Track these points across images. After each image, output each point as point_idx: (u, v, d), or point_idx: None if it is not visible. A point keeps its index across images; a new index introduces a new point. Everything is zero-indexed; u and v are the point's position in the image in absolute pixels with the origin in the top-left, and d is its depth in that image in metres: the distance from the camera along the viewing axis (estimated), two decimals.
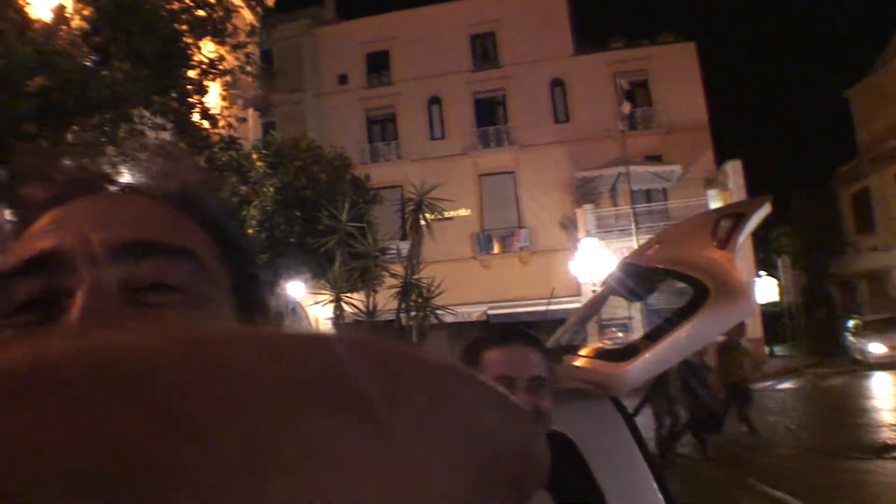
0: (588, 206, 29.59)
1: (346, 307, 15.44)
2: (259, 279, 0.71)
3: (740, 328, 12.58)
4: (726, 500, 8.88)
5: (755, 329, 28.03)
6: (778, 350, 34.15)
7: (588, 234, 27.49)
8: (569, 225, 30.61)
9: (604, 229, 28.36)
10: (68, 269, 0.56)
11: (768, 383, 21.50)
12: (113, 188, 0.64)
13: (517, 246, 31.99)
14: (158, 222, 0.61)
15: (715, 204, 23.98)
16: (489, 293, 29.43)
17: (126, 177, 0.65)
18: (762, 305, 29.38)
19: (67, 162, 0.65)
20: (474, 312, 28.16)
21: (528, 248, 31.68)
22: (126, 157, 0.66)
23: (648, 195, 31.07)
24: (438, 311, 15.29)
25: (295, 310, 25.49)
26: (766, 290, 35.75)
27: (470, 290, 27.28)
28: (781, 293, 36.72)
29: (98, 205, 0.62)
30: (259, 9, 14.36)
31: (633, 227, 23.26)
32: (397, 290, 15.26)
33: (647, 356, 2.67)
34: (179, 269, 0.59)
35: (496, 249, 32.31)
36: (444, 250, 23.91)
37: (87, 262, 0.56)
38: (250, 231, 16.25)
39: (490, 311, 28.98)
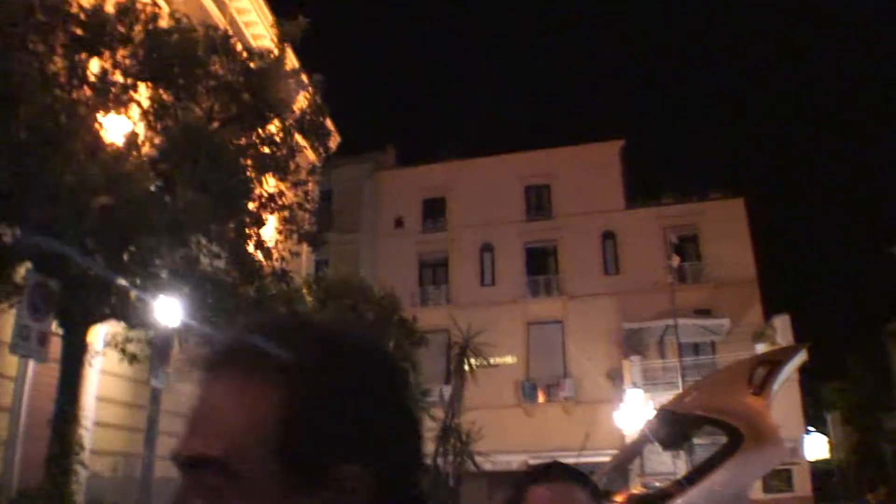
0: (635, 358, 29.29)
1: None
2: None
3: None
4: None
5: (804, 486, 26.93)
6: None
7: (634, 385, 27.08)
8: (615, 376, 30.21)
9: (650, 381, 27.97)
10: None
11: None
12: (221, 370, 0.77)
13: (562, 395, 31.57)
14: (212, 425, 0.74)
15: None
16: (531, 442, 28.75)
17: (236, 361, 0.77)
18: (811, 462, 28.23)
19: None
20: (515, 461, 27.48)
21: (572, 397, 31.25)
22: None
23: (696, 348, 30.76)
24: (477, 458, 14.95)
25: None
26: (816, 446, 34.31)
27: (511, 438, 26.78)
28: (832, 450, 35.26)
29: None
30: (322, 150, 14.80)
31: (679, 379, 22.82)
32: (436, 433, 15.01)
33: (679, 503, 2.62)
34: (211, 482, 0.71)
35: (540, 398, 31.90)
36: (487, 396, 23.64)
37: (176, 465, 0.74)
38: None
39: (531, 461, 28.21)
